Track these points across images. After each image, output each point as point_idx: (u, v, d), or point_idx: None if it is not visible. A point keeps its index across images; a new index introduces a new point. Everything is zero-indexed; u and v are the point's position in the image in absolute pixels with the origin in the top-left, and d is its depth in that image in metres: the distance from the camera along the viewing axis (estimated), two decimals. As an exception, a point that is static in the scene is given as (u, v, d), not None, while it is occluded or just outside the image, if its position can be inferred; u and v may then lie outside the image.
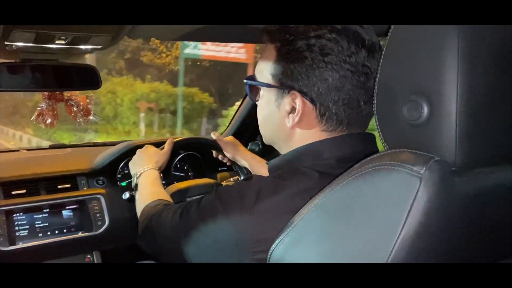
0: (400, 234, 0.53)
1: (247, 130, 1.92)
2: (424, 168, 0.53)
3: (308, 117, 0.78)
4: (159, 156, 1.30)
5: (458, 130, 0.55)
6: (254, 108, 1.85)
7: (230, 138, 1.47)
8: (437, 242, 0.56)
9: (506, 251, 0.68)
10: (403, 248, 0.54)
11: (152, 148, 1.32)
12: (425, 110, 0.57)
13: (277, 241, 0.68)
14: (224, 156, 1.46)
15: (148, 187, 1.17)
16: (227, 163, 1.51)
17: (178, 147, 1.40)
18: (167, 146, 1.35)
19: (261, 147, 1.97)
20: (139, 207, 1.10)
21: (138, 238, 1.03)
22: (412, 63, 0.59)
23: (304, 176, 0.75)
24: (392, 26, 0.62)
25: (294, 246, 0.65)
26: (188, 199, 1.37)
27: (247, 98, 1.90)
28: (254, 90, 0.87)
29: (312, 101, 0.77)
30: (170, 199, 1.10)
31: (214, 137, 1.47)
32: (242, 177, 1.53)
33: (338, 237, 0.60)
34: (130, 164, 1.31)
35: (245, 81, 0.89)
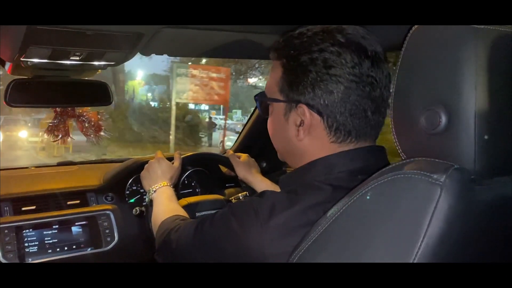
0: (422, 242, 0.53)
1: (255, 147, 1.92)
2: (445, 176, 0.54)
3: (317, 129, 0.79)
4: (172, 171, 1.31)
5: (477, 138, 0.56)
6: (261, 124, 1.87)
7: (245, 157, 1.47)
8: (459, 249, 0.56)
9: None
10: (425, 256, 0.53)
11: (165, 163, 1.32)
12: (443, 119, 0.58)
13: (294, 254, 0.68)
14: (236, 174, 1.47)
15: (165, 203, 1.17)
16: (240, 182, 1.52)
17: (186, 162, 1.40)
18: (177, 161, 1.36)
19: (267, 164, 1.97)
20: (156, 222, 1.10)
21: (156, 252, 1.03)
22: (429, 73, 0.60)
23: (317, 189, 0.75)
24: (407, 39, 0.63)
25: (313, 257, 0.65)
26: (197, 214, 1.37)
27: (254, 115, 1.91)
28: (265, 106, 0.88)
29: (319, 113, 0.77)
30: (187, 215, 1.10)
31: (228, 154, 1.48)
32: (249, 194, 1.53)
33: (359, 247, 0.59)
34: (143, 178, 1.31)
35: (255, 97, 0.90)
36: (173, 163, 1.35)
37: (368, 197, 0.60)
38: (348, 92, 0.75)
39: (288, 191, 0.77)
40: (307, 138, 0.80)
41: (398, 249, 0.55)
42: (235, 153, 1.54)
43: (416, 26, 0.63)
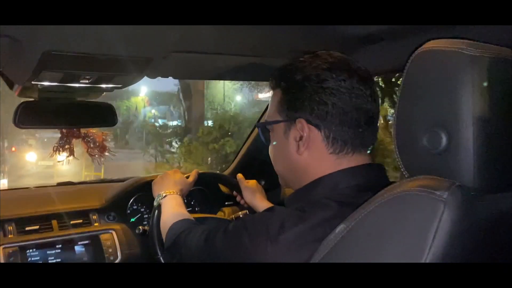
0: (427, 255, 0.57)
1: (253, 166, 1.95)
2: (447, 193, 0.58)
3: (316, 141, 0.85)
4: (184, 184, 1.34)
5: (476, 157, 0.60)
6: (259, 144, 1.90)
7: (253, 183, 1.52)
8: (462, 262, 0.60)
9: None
10: None
11: (179, 175, 1.36)
12: (444, 139, 0.62)
13: None
14: (242, 197, 1.51)
15: (175, 208, 1.20)
16: (244, 205, 1.56)
17: (199, 180, 1.43)
18: (192, 177, 1.40)
19: (266, 182, 2.00)
20: (165, 224, 1.13)
21: (164, 251, 1.07)
22: (430, 97, 0.65)
23: (324, 206, 0.79)
24: (409, 63, 0.68)
25: None
26: None
27: (252, 135, 1.95)
28: (266, 133, 0.95)
29: (316, 126, 0.84)
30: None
31: (238, 178, 1.52)
32: (249, 212, 1.56)
33: (368, 262, 0.63)
34: (155, 184, 1.34)
35: (256, 125, 0.96)
36: (187, 177, 1.39)
37: (375, 214, 0.64)
38: (341, 104, 0.82)
39: (296, 208, 0.81)
40: (307, 152, 0.86)
41: (405, 262, 0.59)
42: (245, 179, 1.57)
43: (416, 52, 0.68)
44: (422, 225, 0.58)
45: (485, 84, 0.61)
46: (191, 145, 8.93)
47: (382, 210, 0.64)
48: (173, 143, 9.98)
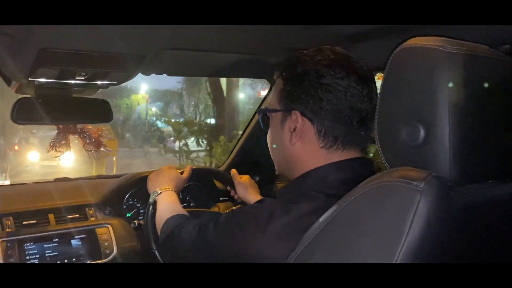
0: (404, 242, 0.60)
1: (248, 161, 1.98)
2: (424, 183, 0.61)
3: (308, 134, 0.88)
4: (179, 180, 1.37)
5: (452, 150, 0.63)
6: (254, 140, 1.94)
7: (246, 178, 1.55)
8: (438, 250, 0.63)
9: (500, 257, 0.74)
10: (407, 256, 0.60)
11: (174, 171, 1.38)
12: (422, 133, 0.65)
13: (290, 257, 0.74)
14: (236, 193, 1.54)
15: (170, 204, 1.23)
16: (238, 200, 1.59)
17: (193, 175, 1.45)
18: (186, 173, 1.42)
19: (260, 178, 2.03)
20: (160, 219, 1.16)
21: (159, 245, 1.10)
22: (408, 92, 0.68)
23: (312, 198, 0.82)
24: (390, 60, 0.71)
25: (306, 260, 0.71)
26: None
27: (247, 131, 1.98)
28: (265, 119, 0.98)
29: (310, 119, 0.87)
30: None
31: (231, 173, 1.55)
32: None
33: (348, 250, 0.66)
34: (150, 180, 1.36)
35: (257, 111, 0.99)
36: (181, 173, 1.41)
37: (356, 204, 0.67)
38: (335, 101, 0.84)
39: (285, 200, 0.84)
40: (299, 143, 0.89)
41: (382, 250, 0.62)
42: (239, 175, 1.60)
43: (397, 49, 0.71)
44: (399, 213, 0.61)
45: (461, 79, 0.64)
46: (229, 144, 7.19)
47: (362, 200, 0.67)
48: (200, 142, 8.80)
